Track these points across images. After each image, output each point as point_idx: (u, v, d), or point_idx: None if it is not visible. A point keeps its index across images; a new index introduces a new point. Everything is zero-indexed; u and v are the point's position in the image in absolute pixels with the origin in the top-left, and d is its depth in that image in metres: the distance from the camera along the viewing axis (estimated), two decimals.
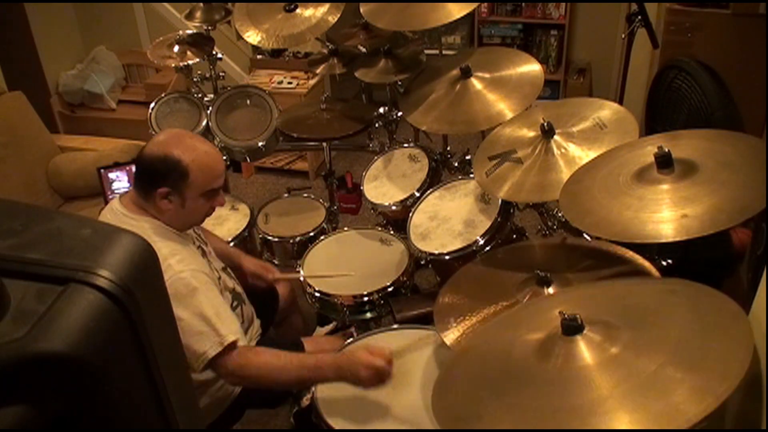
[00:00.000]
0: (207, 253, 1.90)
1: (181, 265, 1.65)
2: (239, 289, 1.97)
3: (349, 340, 1.86)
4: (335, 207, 2.82)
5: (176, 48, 2.79)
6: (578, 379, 1.11)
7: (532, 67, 2.23)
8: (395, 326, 1.91)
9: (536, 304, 1.52)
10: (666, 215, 1.34)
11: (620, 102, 2.70)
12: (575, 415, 1.05)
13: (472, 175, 2.15)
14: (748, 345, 1.05)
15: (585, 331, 1.17)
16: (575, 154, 1.79)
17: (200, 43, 2.84)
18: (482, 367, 1.32)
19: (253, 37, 2.61)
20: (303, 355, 1.76)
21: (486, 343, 1.42)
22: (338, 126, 2.61)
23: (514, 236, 2.10)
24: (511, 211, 2.06)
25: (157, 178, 1.68)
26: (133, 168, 2.92)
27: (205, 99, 2.84)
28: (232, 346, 1.64)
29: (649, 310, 1.24)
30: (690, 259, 1.73)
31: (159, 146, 1.69)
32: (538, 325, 1.30)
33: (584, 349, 1.15)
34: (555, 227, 2.05)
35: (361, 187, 2.46)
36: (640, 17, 2.43)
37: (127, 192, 1.80)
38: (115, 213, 1.73)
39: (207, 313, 1.63)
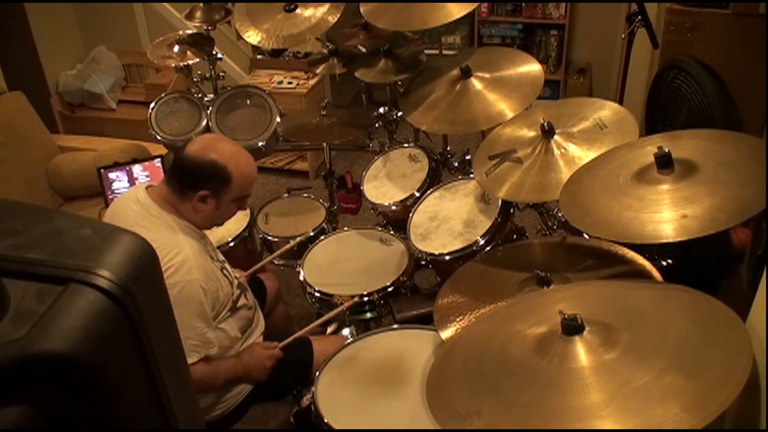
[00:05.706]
0: (212, 250, 1.95)
1: (198, 272, 1.72)
2: (242, 281, 2.04)
3: (348, 341, 1.86)
4: (335, 207, 2.82)
5: (176, 48, 2.79)
6: (575, 381, 1.11)
7: (532, 67, 2.23)
8: (395, 326, 1.91)
9: (534, 299, 1.51)
10: (666, 215, 1.34)
11: (620, 102, 2.70)
12: (575, 416, 1.05)
13: (472, 175, 2.15)
14: (747, 353, 1.05)
15: (585, 333, 1.17)
16: (575, 154, 1.79)
17: (200, 43, 2.83)
18: (479, 361, 1.32)
19: (253, 37, 2.61)
20: (233, 363, 1.88)
21: (482, 336, 1.42)
22: (338, 132, 2.63)
23: (514, 236, 2.10)
24: (511, 211, 2.06)
25: (199, 181, 1.75)
26: (134, 167, 2.98)
27: (205, 99, 2.83)
28: (208, 358, 1.76)
29: (647, 314, 1.24)
30: (690, 259, 1.73)
31: (204, 151, 1.76)
32: (537, 321, 1.29)
33: (582, 351, 1.15)
34: (555, 227, 2.04)
35: (361, 187, 2.46)
36: (640, 17, 2.43)
37: (154, 186, 1.85)
38: (142, 204, 1.78)
39: (203, 323, 1.74)
